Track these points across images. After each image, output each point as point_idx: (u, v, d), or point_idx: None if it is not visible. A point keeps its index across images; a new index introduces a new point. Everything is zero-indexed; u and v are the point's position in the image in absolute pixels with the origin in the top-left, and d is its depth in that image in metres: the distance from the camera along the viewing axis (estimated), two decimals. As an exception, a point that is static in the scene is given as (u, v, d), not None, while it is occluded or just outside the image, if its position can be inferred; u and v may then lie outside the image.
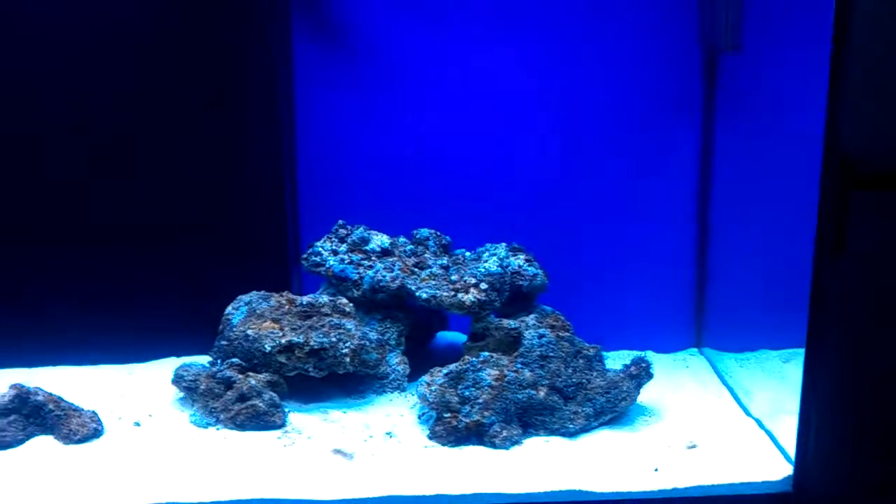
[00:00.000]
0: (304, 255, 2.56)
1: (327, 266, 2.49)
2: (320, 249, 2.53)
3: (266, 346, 2.29)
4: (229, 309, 2.44)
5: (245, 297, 2.46)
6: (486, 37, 2.66)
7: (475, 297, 2.40)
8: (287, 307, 2.39)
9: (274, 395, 2.26)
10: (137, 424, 2.30)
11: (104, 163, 2.57)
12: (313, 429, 2.26)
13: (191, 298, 2.62)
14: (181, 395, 2.40)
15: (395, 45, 2.67)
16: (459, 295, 2.40)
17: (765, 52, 2.55)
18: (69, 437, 2.20)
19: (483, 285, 2.42)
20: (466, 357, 2.33)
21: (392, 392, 2.44)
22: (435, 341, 2.70)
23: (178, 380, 2.37)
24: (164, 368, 2.60)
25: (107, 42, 2.51)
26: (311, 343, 2.28)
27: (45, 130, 2.54)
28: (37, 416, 2.23)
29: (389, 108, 2.70)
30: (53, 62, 2.52)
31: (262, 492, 1.99)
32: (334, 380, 2.40)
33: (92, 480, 2.03)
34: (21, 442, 2.20)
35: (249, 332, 2.33)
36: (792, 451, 2.06)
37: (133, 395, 2.47)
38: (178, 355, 2.63)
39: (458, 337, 2.72)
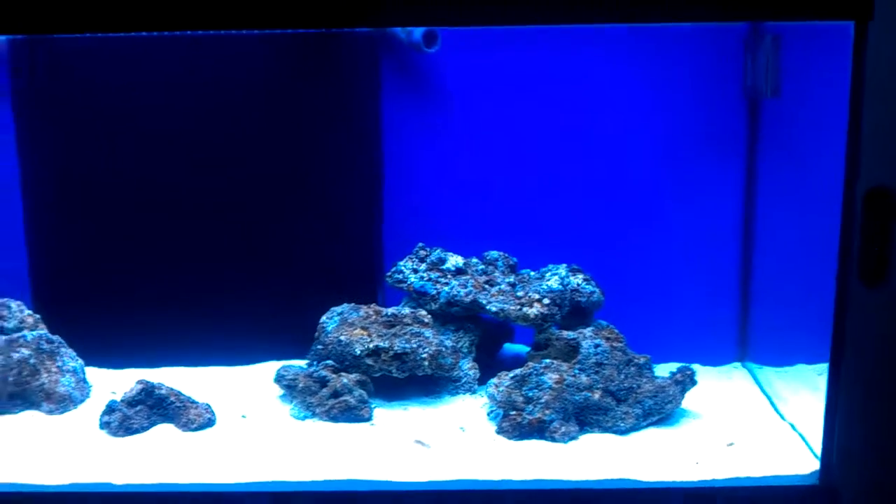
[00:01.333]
0: (389, 273, 2.90)
1: (408, 283, 2.83)
2: (402, 268, 2.87)
3: (356, 349, 2.63)
4: (324, 318, 2.79)
5: (338, 309, 2.81)
6: (549, 81, 3.00)
7: (538, 311, 2.71)
8: (374, 317, 2.73)
9: (363, 392, 2.59)
10: (244, 417, 2.66)
11: (227, 195, 2.94)
12: (396, 422, 2.59)
13: (290, 310, 2.96)
14: (281, 392, 2.75)
15: (468, 90, 3.02)
16: (525, 309, 2.71)
17: (801, 96, 2.84)
18: (187, 426, 2.56)
19: (545, 300, 2.73)
20: (530, 363, 2.64)
21: (464, 393, 2.75)
22: (502, 351, 3.00)
23: (279, 379, 2.73)
24: (265, 370, 2.95)
25: (231, 101, 2.90)
26: (395, 348, 2.62)
27: (194, 176, 2.93)
28: (159, 407, 2.60)
29: (460, 148, 3.05)
30: (184, 120, 2.90)
31: (354, 474, 2.32)
32: (413, 381, 2.72)
33: (208, 462, 2.38)
34: (146, 428, 2.58)
35: (342, 337, 2.67)
36: (820, 451, 2.33)
37: (239, 392, 2.82)
38: (278, 359, 2.97)
39: (521, 348, 3.02)
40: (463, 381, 2.73)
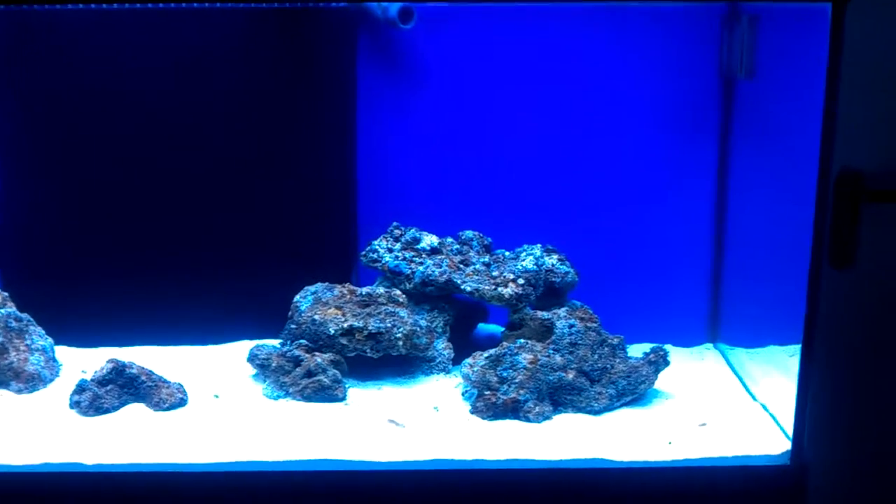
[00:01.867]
0: (363, 253, 2.88)
1: (383, 262, 2.81)
2: (377, 247, 2.85)
3: (330, 329, 2.62)
4: (298, 297, 2.77)
5: (311, 288, 2.79)
6: (523, 61, 2.97)
7: (513, 291, 2.71)
8: (348, 297, 2.72)
9: (336, 372, 2.58)
10: (216, 396, 2.64)
11: (199, 173, 2.89)
12: (370, 402, 2.58)
13: (263, 289, 2.92)
14: (254, 372, 2.74)
15: (444, 67, 2.99)
16: (500, 289, 2.71)
17: (776, 78, 2.85)
18: (159, 405, 2.54)
19: (520, 280, 2.73)
20: (504, 343, 2.64)
21: (438, 373, 2.75)
22: (476, 332, 2.99)
23: (252, 358, 2.71)
24: (237, 350, 2.92)
25: (203, 76, 2.84)
26: (370, 328, 2.60)
27: (166, 152, 2.87)
28: (130, 387, 2.57)
29: (435, 127, 3.02)
30: (155, 96, 2.85)
31: (328, 454, 2.32)
32: (388, 361, 2.71)
33: (180, 441, 2.36)
34: (117, 408, 2.55)
35: (316, 317, 2.66)
36: (791, 431, 2.36)
37: (212, 372, 2.80)
38: (251, 338, 2.94)
39: (495, 329, 3.02)
40: (437, 360, 2.73)
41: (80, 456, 2.29)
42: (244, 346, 2.89)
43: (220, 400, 2.61)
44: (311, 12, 2.88)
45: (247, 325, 2.96)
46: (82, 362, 2.85)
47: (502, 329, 2.91)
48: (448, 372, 2.75)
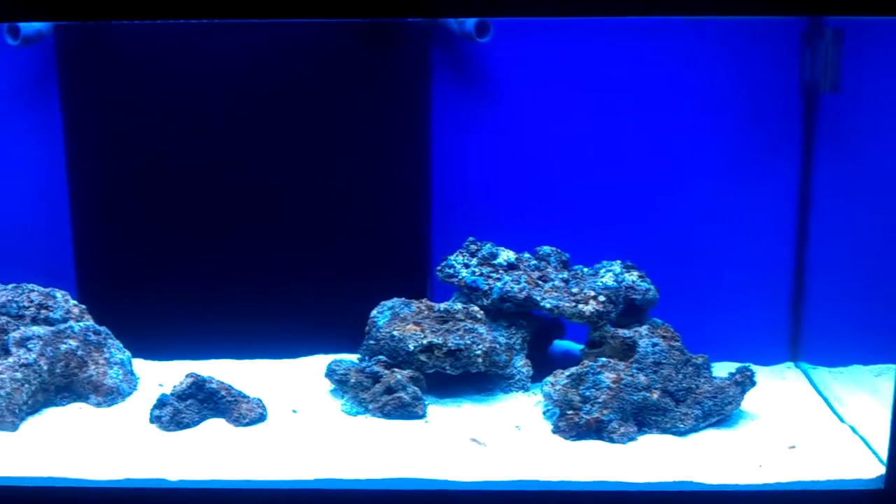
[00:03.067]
0: (439, 268, 2.86)
1: (459, 277, 2.79)
2: (453, 263, 2.82)
3: (409, 345, 2.60)
4: (374, 313, 2.75)
5: (388, 303, 2.77)
6: (600, 74, 2.95)
7: (594, 309, 2.67)
8: (426, 312, 2.70)
9: (416, 389, 2.56)
10: (294, 412, 2.63)
11: (276, 187, 2.88)
12: (450, 420, 2.56)
13: (338, 303, 2.91)
14: (332, 387, 2.72)
15: (519, 81, 2.97)
16: (580, 306, 2.67)
17: (863, 91, 2.79)
18: (238, 420, 2.53)
19: (601, 298, 2.69)
20: (585, 361, 2.60)
21: (517, 391, 2.71)
22: (552, 348, 2.97)
23: (330, 374, 2.69)
24: (312, 364, 2.92)
25: (279, 91, 2.82)
26: (449, 344, 2.58)
27: (243, 166, 2.86)
28: (210, 402, 2.56)
29: (509, 140, 3.01)
30: (232, 111, 2.83)
31: (410, 472, 2.29)
32: (465, 377, 2.68)
33: (261, 458, 2.34)
34: (196, 423, 2.55)
35: (395, 333, 2.64)
36: (884, 454, 2.29)
37: (288, 387, 2.78)
38: (325, 353, 2.93)
39: (571, 346, 2.99)
40: (516, 378, 2.69)
41: (163, 472, 2.29)
42: (319, 361, 2.89)
43: (298, 415, 2.60)
44: (385, 27, 2.87)
45: (321, 339, 2.94)
46: (158, 376, 2.85)
47: (577, 346, 2.89)
48: (527, 390, 2.71)
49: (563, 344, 2.98)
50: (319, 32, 2.82)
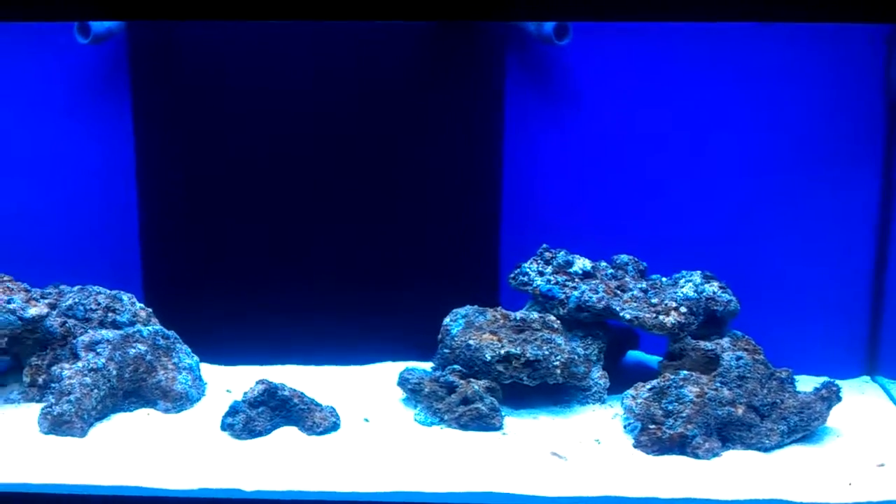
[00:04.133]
0: (512, 275, 2.80)
1: (534, 285, 2.73)
2: (528, 270, 2.77)
3: (486, 355, 2.54)
4: (447, 321, 2.70)
5: (461, 311, 2.71)
6: (681, 78, 2.89)
7: (675, 320, 2.61)
8: (502, 321, 2.64)
9: (494, 400, 2.50)
10: (366, 420, 2.58)
11: (345, 191, 2.84)
12: (528, 432, 2.50)
13: (405, 310, 2.87)
14: (403, 395, 2.67)
15: (593, 85, 2.91)
16: (661, 317, 2.61)
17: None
18: (312, 429, 2.48)
19: (682, 309, 2.63)
20: (666, 374, 2.54)
21: (594, 403, 2.65)
22: (624, 359, 2.91)
23: (402, 382, 2.64)
24: (380, 371, 2.88)
25: (351, 94, 2.78)
26: (527, 355, 2.52)
27: (312, 170, 2.82)
28: (282, 409, 2.51)
29: (583, 147, 2.95)
30: (303, 115, 2.79)
31: (490, 486, 2.22)
32: (540, 389, 2.62)
33: (336, 468, 2.28)
34: (269, 431, 2.49)
35: (471, 342, 2.58)
36: (980, 473, 2.23)
37: (357, 394, 2.73)
38: (392, 360, 2.90)
39: (643, 356, 2.94)
40: (593, 390, 2.64)
41: (239, 481, 2.24)
42: (388, 368, 2.86)
43: (370, 425, 2.54)
44: (459, 29, 2.81)
45: (388, 346, 2.91)
46: (226, 381, 2.81)
47: (649, 356, 2.84)
48: (603, 402, 2.65)
49: (635, 355, 2.93)
50: (394, 35, 2.76)
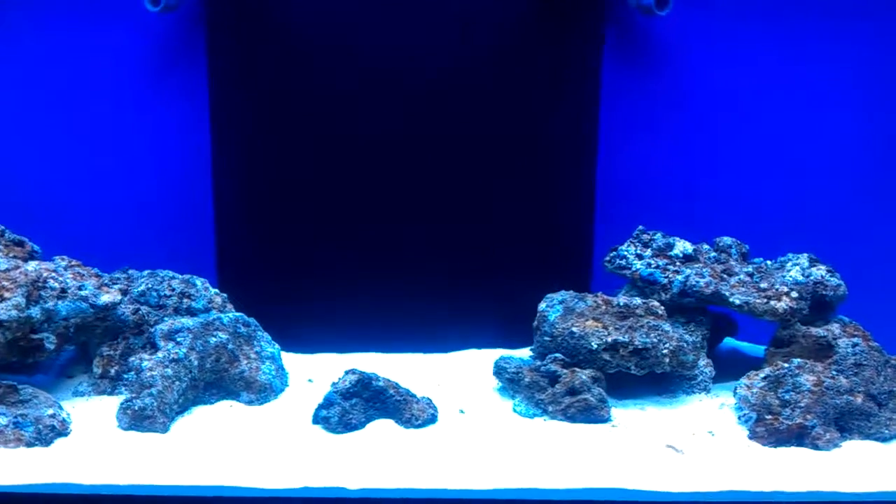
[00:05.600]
0: (607, 258, 2.69)
1: (633, 269, 2.62)
2: (625, 253, 2.66)
3: (592, 343, 2.41)
4: (543, 306, 2.56)
5: (556, 296, 2.57)
6: (791, 55, 2.77)
7: (787, 305, 2.50)
8: (604, 307, 2.52)
9: (601, 390, 2.39)
10: (462, 412, 2.45)
11: (429, 169, 2.70)
12: (637, 423, 2.39)
13: (489, 295, 2.75)
14: (497, 385, 2.54)
15: (696, 59, 2.80)
16: (772, 302, 2.51)
17: None
18: (410, 422, 2.34)
19: (793, 294, 2.52)
20: (777, 362, 2.44)
21: (699, 392, 2.54)
22: (720, 347, 2.80)
23: (499, 371, 2.51)
24: (466, 359, 2.75)
25: (452, 68, 2.64)
26: (636, 343, 2.40)
27: (400, 154, 2.68)
28: (377, 401, 2.37)
29: (681, 128, 2.84)
30: (406, 95, 2.65)
31: (607, 480, 2.09)
32: (642, 378, 2.50)
33: (441, 462, 2.15)
34: (363, 424, 2.35)
35: (574, 329, 2.45)
36: None
37: (446, 384, 2.60)
38: (477, 347, 2.77)
39: (737, 343, 2.84)
40: (698, 379, 2.52)
41: (342, 479, 2.11)
42: (472, 356, 2.74)
43: (466, 416, 2.41)
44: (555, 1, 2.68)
45: (471, 332, 2.77)
46: (306, 370, 2.67)
47: (743, 343, 2.75)
48: (709, 391, 2.54)
49: (728, 342, 2.83)
50: (489, 9, 2.61)
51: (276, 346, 2.58)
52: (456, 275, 2.76)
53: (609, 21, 2.77)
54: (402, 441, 2.28)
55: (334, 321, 2.74)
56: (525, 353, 2.65)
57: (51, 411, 2.29)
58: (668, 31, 2.79)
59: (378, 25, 2.59)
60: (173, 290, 2.56)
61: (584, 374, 2.39)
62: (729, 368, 2.58)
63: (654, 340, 2.41)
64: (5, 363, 2.40)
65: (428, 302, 2.74)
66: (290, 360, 2.71)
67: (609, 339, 2.40)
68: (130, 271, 2.67)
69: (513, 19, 2.63)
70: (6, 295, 2.34)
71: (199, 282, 2.62)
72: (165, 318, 2.48)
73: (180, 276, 2.62)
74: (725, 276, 2.57)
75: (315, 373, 2.62)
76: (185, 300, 2.57)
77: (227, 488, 2.13)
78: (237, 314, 2.54)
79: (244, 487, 2.12)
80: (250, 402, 2.44)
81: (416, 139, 2.68)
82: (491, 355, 2.69)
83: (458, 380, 2.63)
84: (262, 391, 2.46)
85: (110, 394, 2.46)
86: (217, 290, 2.64)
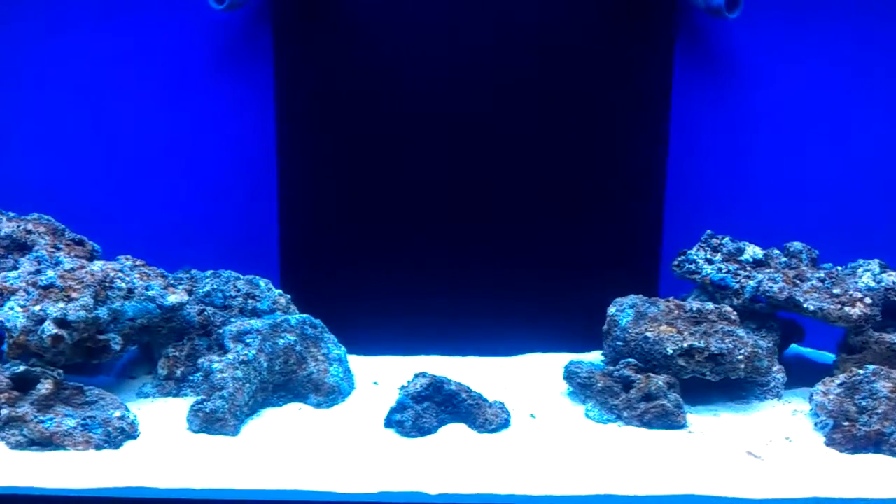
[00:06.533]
0: (676, 262, 2.67)
1: (703, 274, 2.60)
2: (695, 258, 2.64)
3: (668, 348, 2.39)
4: (613, 311, 2.54)
5: (626, 301, 2.55)
6: (865, 59, 2.75)
7: (861, 311, 2.48)
8: (676, 312, 2.49)
9: (678, 396, 2.36)
10: (533, 416, 2.42)
11: (496, 172, 2.67)
12: (713, 430, 2.36)
13: (554, 298, 2.72)
14: (565, 389, 2.52)
15: (767, 63, 2.78)
16: (846, 308, 2.48)
17: None
18: (484, 427, 2.31)
19: (867, 300, 2.50)
20: (851, 368, 2.43)
21: (771, 399, 2.53)
22: (786, 352, 2.77)
23: (570, 376, 2.48)
24: (530, 363, 2.73)
25: (523, 66, 2.61)
26: (711, 348, 2.38)
27: (464, 153, 2.65)
28: (449, 405, 2.35)
29: (751, 129, 2.82)
30: (470, 93, 2.62)
31: (690, 487, 2.07)
32: (715, 383, 2.47)
33: (519, 468, 2.12)
34: (435, 429, 2.32)
35: (648, 334, 2.43)
36: None
37: (514, 388, 2.57)
38: (543, 351, 2.75)
39: (801, 349, 2.82)
40: (770, 385, 2.50)
41: (421, 485, 2.08)
42: (536, 360, 2.71)
43: (537, 421, 2.39)
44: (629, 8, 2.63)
45: (534, 336, 2.74)
46: (371, 373, 2.64)
47: (807, 349, 2.73)
48: (780, 398, 2.52)
49: (793, 348, 2.80)
50: (560, 13, 2.59)
51: (342, 348, 2.55)
52: (519, 279, 2.72)
53: (680, 24, 2.74)
54: (477, 446, 2.25)
55: (396, 323, 2.71)
56: (592, 356, 2.64)
57: (118, 413, 2.26)
58: (739, 34, 2.78)
59: (449, 21, 2.56)
60: (239, 290, 2.54)
61: (660, 380, 2.36)
62: (796, 374, 2.57)
63: (730, 346, 2.39)
64: (70, 364, 2.38)
65: (491, 305, 2.71)
66: (352, 361, 2.65)
67: (685, 345, 2.38)
68: (193, 271, 2.64)
69: (586, 23, 2.60)
70: (74, 295, 2.31)
71: (262, 282, 2.59)
72: (232, 320, 2.45)
73: (244, 277, 2.59)
74: (797, 281, 2.55)
75: (378, 375, 2.60)
76: (250, 301, 2.54)
77: (305, 493, 2.10)
78: (304, 316, 2.51)
79: (322, 492, 2.09)
80: (318, 405, 2.42)
81: (484, 140, 2.65)
82: (554, 359, 2.69)
83: (524, 384, 2.60)
84: (331, 393, 2.43)
85: (175, 395, 2.44)
86: (280, 291, 2.61)
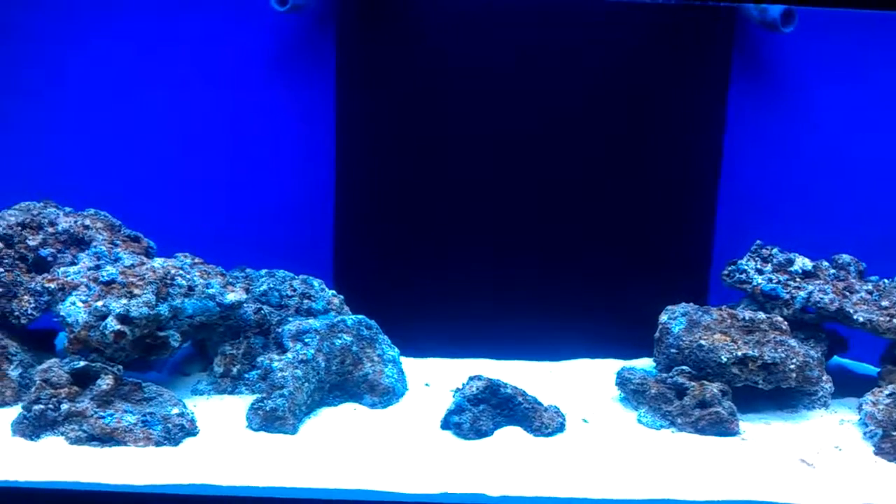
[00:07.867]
0: (726, 272, 2.70)
1: (754, 284, 2.63)
2: (745, 268, 2.67)
3: (722, 357, 2.42)
4: (665, 318, 2.57)
5: (678, 308, 2.58)
6: None
7: (910, 324, 2.55)
8: (729, 321, 2.52)
9: (731, 404, 2.39)
10: (585, 421, 2.45)
11: (548, 174, 2.70)
12: (766, 438, 2.39)
13: (603, 306, 2.75)
14: (617, 395, 2.55)
15: (822, 78, 2.81)
16: (895, 320, 2.54)
17: None
18: (540, 430, 2.34)
19: (916, 312, 2.57)
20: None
21: (819, 408, 2.56)
22: (829, 363, 2.80)
23: (623, 383, 2.51)
24: (578, 368, 2.76)
25: (579, 76, 2.65)
26: (765, 357, 2.41)
27: (523, 156, 2.67)
28: (504, 408, 2.36)
29: (804, 142, 2.86)
30: (531, 105, 2.64)
31: (748, 494, 2.08)
32: (764, 392, 2.50)
33: (578, 471, 2.14)
34: (491, 431, 2.34)
35: (703, 342, 2.45)
36: None
37: (564, 392, 2.59)
38: (591, 357, 2.78)
39: (841, 360, 2.85)
40: (819, 394, 2.53)
41: (481, 486, 2.11)
42: (584, 365, 2.74)
43: (590, 426, 2.41)
44: (685, 13, 2.65)
45: (581, 342, 2.77)
46: (418, 373, 2.65)
47: (846, 360, 2.77)
48: (828, 407, 2.55)
49: (835, 359, 2.83)
50: (619, 22, 2.61)
51: (396, 349, 2.57)
52: (568, 285, 2.75)
53: (736, 38, 2.77)
54: (534, 449, 2.28)
55: (444, 325, 2.74)
56: (640, 363, 2.68)
57: (177, 410, 2.27)
58: (793, 48, 2.81)
59: (512, 32, 2.59)
60: (295, 290, 2.55)
61: (714, 387, 2.40)
62: (839, 385, 2.60)
63: (783, 355, 2.42)
64: (128, 360, 2.39)
65: (539, 310, 2.74)
66: (402, 363, 2.66)
67: (739, 353, 2.41)
68: (248, 270, 2.66)
69: (644, 34, 2.63)
70: (136, 292, 2.32)
71: (316, 282, 2.61)
72: (288, 319, 2.47)
73: (299, 277, 2.61)
74: (847, 293, 2.59)
75: (428, 377, 2.62)
76: (305, 301, 2.56)
77: (369, 493, 2.13)
78: (359, 316, 2.52)
79: (386, 492, 2.12)
80: (373, 405, 2.44)
81: (541, 150, 2.67)
82: (602, 364, 2.73)
83: (574, 388, 2.63)
84: (385, 394, 2.45)
85: (230, 393, 2.45)
86: (334, 292, 2.63)
